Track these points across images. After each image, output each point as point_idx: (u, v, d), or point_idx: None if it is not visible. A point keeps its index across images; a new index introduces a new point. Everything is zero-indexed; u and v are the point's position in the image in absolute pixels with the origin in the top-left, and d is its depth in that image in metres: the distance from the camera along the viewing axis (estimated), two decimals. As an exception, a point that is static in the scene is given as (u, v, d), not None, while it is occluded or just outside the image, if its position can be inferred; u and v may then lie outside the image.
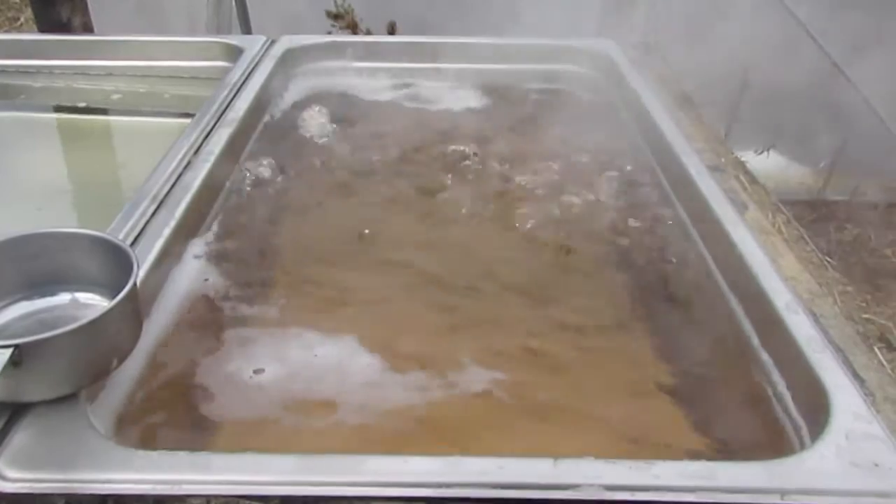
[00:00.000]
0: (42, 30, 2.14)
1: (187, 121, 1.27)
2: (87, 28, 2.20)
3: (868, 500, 0.64)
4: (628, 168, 1.25)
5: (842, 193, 2.70)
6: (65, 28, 2.10)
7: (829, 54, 2.29)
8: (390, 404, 0.81)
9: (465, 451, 0.71)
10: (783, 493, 0.64)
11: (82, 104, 1.53)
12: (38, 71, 1.59)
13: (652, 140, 1.28)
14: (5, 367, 0.64)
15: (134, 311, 0.74)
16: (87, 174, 1.38)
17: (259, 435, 0.77)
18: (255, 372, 0.84)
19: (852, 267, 2.40)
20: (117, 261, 0.77)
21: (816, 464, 0.67)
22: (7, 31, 4.30)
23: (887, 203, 2.70)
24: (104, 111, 1.53)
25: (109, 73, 1.60)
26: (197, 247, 1.02)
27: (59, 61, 1.59)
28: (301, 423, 0.78)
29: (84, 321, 0.67)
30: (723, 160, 1.24)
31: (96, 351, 0.69)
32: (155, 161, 1.11)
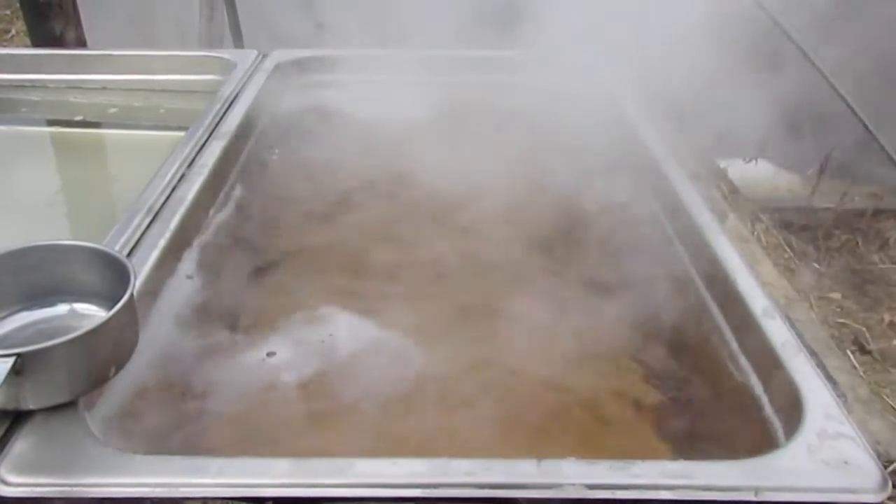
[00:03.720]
0: (36, 44, 2.16)
1: (181, 134, 1.29)
2: (81, 42, 2.22)
3: (837, 495, 0.67)
4: (609, 177, 1.27)
5: (830, 200, 2.74)
6: (58, 42, 2.12)
7: (814, 61, 2.33)
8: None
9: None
10: (757, 490, 0.67)
11: (78, 118, 1.56)
12: (33, 85, 1.61)
13: (634, 149, 1.31)
14: (7, 375, 0.66)
15: (131, 320, 0.76)
16: (83, 187, 1.40)
17: (253, 439, 0.80)
18: (252, 376, 0.86)
19: (840, 273, 2.44)
20: (114, 272, 0.79)
21: (789, 462, 0.70)
22: (5, 42, 4.32)
23: (874, 210, 2.74)
24: (99, 125, 1.56)
25: (104, 86, 1.62)
26: (192, 257, 1.04)
27: (54, 75, 1.61)
28: (298, 430, 0.81)
29: (83, 330, 0.69)
30: (704, 170, 1.27)
31: (95, 359, 0.72)
32: (149, 174, 1.14)
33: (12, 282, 0.80)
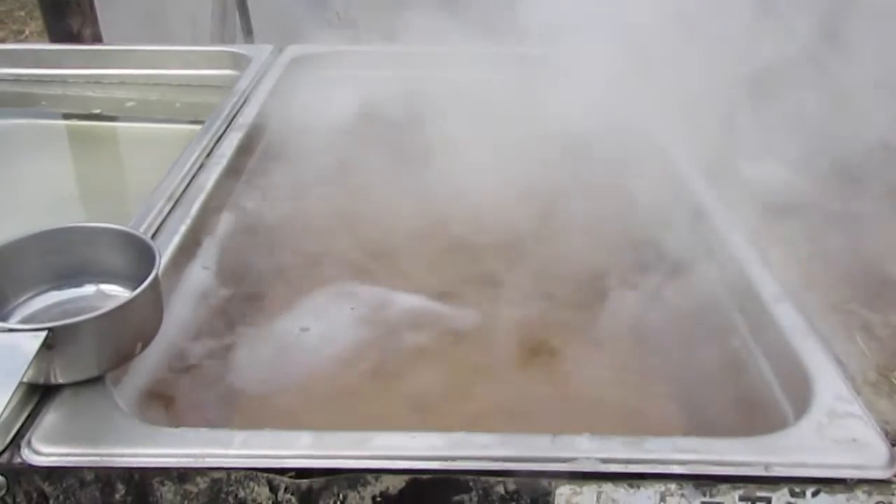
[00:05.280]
0: (53, 40, 2.20)
1: (196, 127, 1.32)
2: (97, 38, 2.26)
3: (845, 471, 0.68)
4: (622, 170, 1.29)
5: (838, 200, 2.73)
6: (75, 39, 2.16)
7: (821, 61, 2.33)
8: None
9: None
10: (767, 465, 0.69)
11: (96, 111, 1.59)
12: (53, 80, 1.65)
13: (645, 144, 1.33)
14: (39, 349, 0.68)
15: (156, 299, 0.78)
16: (101, 178, 1.44)
17: (268, 411, 0.82)
18: (265, 357, 0.89)
19: (846, 269, 2.43)
20: (139, 253, 0.81)
21: (799, 439, 0.71)
22: (19, 42, 4.37)
23: (883, 210, 2.73)
24: (116, 118, 1.59)
25: (122, 81, 1.65)
26: (212, 242, 1.07)
27: (73, 70, 1.65)
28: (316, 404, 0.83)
29: (112, 306, 0.71)
30: (716, 164, 1.28)
31: (122, 335, 0.74)
32: (165, 166, 1.16)
33: (40, 263, 0.82)
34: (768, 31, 1.45)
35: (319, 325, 0.93)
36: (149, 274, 0.77)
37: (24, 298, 0.81)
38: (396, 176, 1.34)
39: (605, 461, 0.68)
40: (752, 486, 0.68)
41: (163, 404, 0.81)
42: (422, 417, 0.83)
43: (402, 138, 1.47)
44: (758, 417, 0.81)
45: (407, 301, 0.95)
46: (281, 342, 0.92)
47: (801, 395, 0.78)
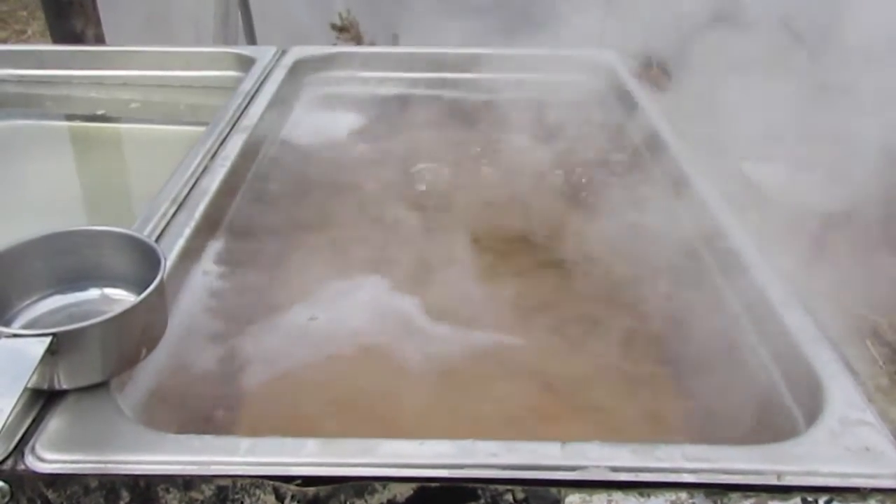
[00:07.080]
0: (56, 41, 2.19)
1: (201, 129, 1.31)
2: (100, 39, 2.26)
3: (858, 480, 0.67)
4: (628, 172, 1.29)
5: (841, 202, 2.72)
6: (78, 39, 2.16)
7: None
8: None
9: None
10: (779, 474, 0.68)
11: (100, 112, 1.58)
12: (56, 81, 1.64)
13: (652, 147, 1.32)
14: (44, 355, 0.67)
15: (161, 303, 0.78)
16: (104, 179, 1.43)
17: (270, 422, 0.81)
18: (272, 356, 0.88)
19: (852, 274, 2.43)
20: (144, 257, 0.81)
21: (811, 447, 0.70)
22: (22, 43, 4.38)
23: (886, 213, 2.72)
24: (121, 120, 1.58)
25: (125, 82, 1.65)
26: (216, 245, 1.06)
27: (77, 71, 1.64)
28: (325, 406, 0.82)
29: (117, 311, 0.71)
30: (722, 167, 1.28)
31: (127, 341, 0.73)
32: (169, 167, 1.15)
33: (45, 266, 0.82)
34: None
35: (328, 315, 0.93)
36: (154, 278, 0.76)
37: (27, 302, 0.81)
38: (397, 175, 1.34)
39: (614, 469, 0.68)
40: (764, 495, 0.67)
41: (168, 410, 0.80)
42: (428, 407, 0.83)
43: (404, 138, 1.46)
44: (768, 424, 0.81)
45: (416, 291, 0.95)
46: (289, 335, 0.92)
47: (812, 402, 0.77)
